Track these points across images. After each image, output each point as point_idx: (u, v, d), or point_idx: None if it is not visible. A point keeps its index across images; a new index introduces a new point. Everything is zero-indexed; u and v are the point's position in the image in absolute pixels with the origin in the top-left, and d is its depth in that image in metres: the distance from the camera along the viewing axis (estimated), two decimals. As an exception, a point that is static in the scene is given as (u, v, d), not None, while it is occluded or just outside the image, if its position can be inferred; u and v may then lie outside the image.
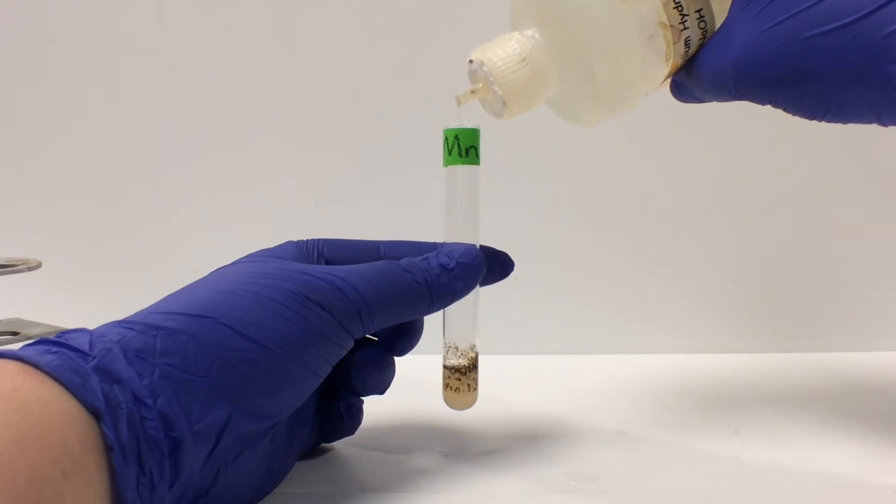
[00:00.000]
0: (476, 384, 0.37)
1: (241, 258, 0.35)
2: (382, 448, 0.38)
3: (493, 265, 0.37)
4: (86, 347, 0.26)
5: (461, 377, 0.36)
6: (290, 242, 0.36)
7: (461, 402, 0.37)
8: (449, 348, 0.36)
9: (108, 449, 0.24)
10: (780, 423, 0.42)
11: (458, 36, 0.56)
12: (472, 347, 0.36)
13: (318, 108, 0.58)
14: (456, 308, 0.35)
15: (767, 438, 0.40)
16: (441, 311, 0.35)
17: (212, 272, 0.33)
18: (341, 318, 0.31)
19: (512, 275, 0.38)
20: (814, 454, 0.38)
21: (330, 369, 0.32)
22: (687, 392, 0.49)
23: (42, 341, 0.27)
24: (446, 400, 0.37)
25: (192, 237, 0.59)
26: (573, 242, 0.59)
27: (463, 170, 0.35)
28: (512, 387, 0.49)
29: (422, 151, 0.57)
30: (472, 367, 0.36)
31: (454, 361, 0.36)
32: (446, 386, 0.37)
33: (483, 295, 0.37)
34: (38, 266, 0.47)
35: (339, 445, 0.38)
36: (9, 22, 0.58)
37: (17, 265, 0.46)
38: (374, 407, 0.38)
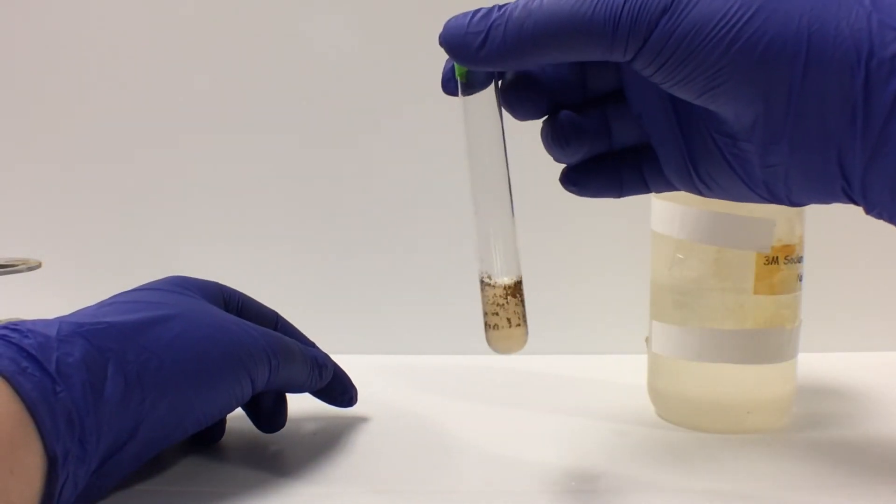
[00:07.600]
0: (519, 318, 0.30)
1: (159, 284, 0.38)
2: (383, 448, 0.38)
3: (335, 385, 0.40)
4: (29, 344, 0.28)
5: (498, 310, 0.30)
6: (216, 284, 0.39)
7: (503, 343, 0.30)
8: (483, 280, 0.31)
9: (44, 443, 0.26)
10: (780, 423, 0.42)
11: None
12: (510, 275, 0.30)
13: (318, 104, 0.58)
14: (487, 231, 0.31)
15: (768, 438, 0.40)
16: (474, 238, 0.31)
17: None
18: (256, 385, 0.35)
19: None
20: (813, 454, 0.38)
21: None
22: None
23: None
24: (488, 342, 0.31)
25: (193, 238, 0.58)
26: (574, 242, 0.59)
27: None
28: (511, 387, 0.49)
29: (425, 145, 0.57)
30: (511, 296, 0.30)
31: (488, 293, 0.30)
32: (486, 326, 0.30)
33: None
34: (38, 266, 0.47)
35: (337, 443, 0.38)
36: (9, 22, 0.58)
37: (17, 265, 0.46)
38: (374, 405, 0.38)
